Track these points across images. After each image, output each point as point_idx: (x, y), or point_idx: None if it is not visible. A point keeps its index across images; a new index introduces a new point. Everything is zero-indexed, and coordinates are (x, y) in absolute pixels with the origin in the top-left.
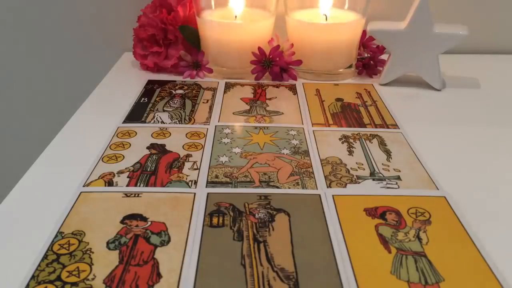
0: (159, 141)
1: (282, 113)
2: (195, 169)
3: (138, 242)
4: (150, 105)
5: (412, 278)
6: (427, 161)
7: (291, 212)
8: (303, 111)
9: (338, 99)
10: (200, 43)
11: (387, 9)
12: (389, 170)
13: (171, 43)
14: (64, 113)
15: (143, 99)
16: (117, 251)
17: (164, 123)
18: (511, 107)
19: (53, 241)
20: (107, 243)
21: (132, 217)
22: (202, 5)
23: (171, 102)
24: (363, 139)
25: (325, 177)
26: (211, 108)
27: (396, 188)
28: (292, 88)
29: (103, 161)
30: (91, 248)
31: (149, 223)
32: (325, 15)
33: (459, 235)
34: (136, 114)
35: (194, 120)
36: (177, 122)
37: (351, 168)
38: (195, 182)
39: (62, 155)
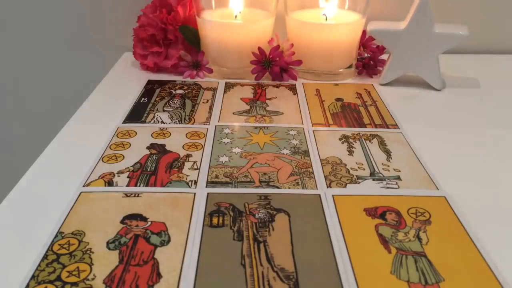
0: (159, 141)
1: (282, 113)
2: (195, 169)
3: (138, 242)
4: (150, 105)
5: (412, 278)
6: (427, 161)
7: (291, 212)
8: (303, 111)
9: (338, 99)
10: (200, 43)
11: (387, 9)
12: (389, 170)
13: (171, 43)
14: (64, 113)
15: (143, 99)
16: (117, 251)
17: (164, 123)
18: (511, 107)
19: (53, 241)
20: (107, 243)
21: (132, 217)
22: (202, 5)
23: (171, 102)
24: (363, 139)
25: (325, 177)
26: (211, 108)
27: (396, 188)
28: (292, 88)
29: (103, 161)
30: (91, 248)
31: (149, 223)
32: (325, 15)
33: (459, 235)
34: (136, 114)
35: (194, 120)
36: (177, 122)
37: (351, 168)
38: (195, 182)
39: (62, 155)
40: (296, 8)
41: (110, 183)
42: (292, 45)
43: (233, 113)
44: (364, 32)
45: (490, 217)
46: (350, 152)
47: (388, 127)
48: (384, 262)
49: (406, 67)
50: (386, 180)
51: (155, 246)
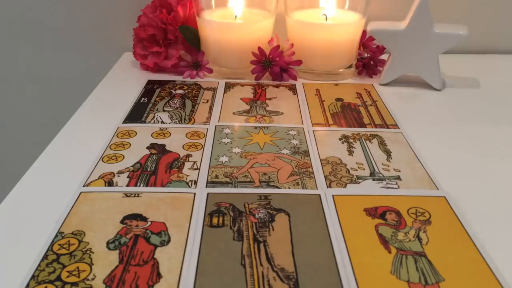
0: (159, 141)
1: (282, 113)
2: (195, 169)
3: (138, 242)
4: (150, 105)
5: (412, 278)
6: (427, 161)
7: (291, 212)
8: (303, 111)
9: (338, 99)
10: (200, 43)
11: (387, 9)
12: (389, 170)
13: (171, 43)
14: (64, 113)
15: (143, 99)
16: (117, 251)
17: (164, 123)
18: (511, 107)
19: (53, 241)
20: (107, 243)
21: (132, 217)
22: (202, 5)
23: (171, 102)
24: (363, 139)
25: (325, 177)
26: (211, 108)
27: (396, 188)
28: (292, 88)
29: (103, 161)
30: (91, 248)
31: (149, 223)
32: (325, 15)
33: (459, 235)
34: (136, 114)
35: (194, 120)
36: (177, 122)
37: (351, 168)
38: (195, 182)
39: (62, 155)
40: (296, 8)
41: (110, 183)
42: (292, 45)
43: (233, 113)
44: (364, 32)
45: (490, 217)
46: (350, 152)
47: (388, 127)
48: (384, 262)
49: (406, 67)
50: (386, 180)
51: (155, 246)
